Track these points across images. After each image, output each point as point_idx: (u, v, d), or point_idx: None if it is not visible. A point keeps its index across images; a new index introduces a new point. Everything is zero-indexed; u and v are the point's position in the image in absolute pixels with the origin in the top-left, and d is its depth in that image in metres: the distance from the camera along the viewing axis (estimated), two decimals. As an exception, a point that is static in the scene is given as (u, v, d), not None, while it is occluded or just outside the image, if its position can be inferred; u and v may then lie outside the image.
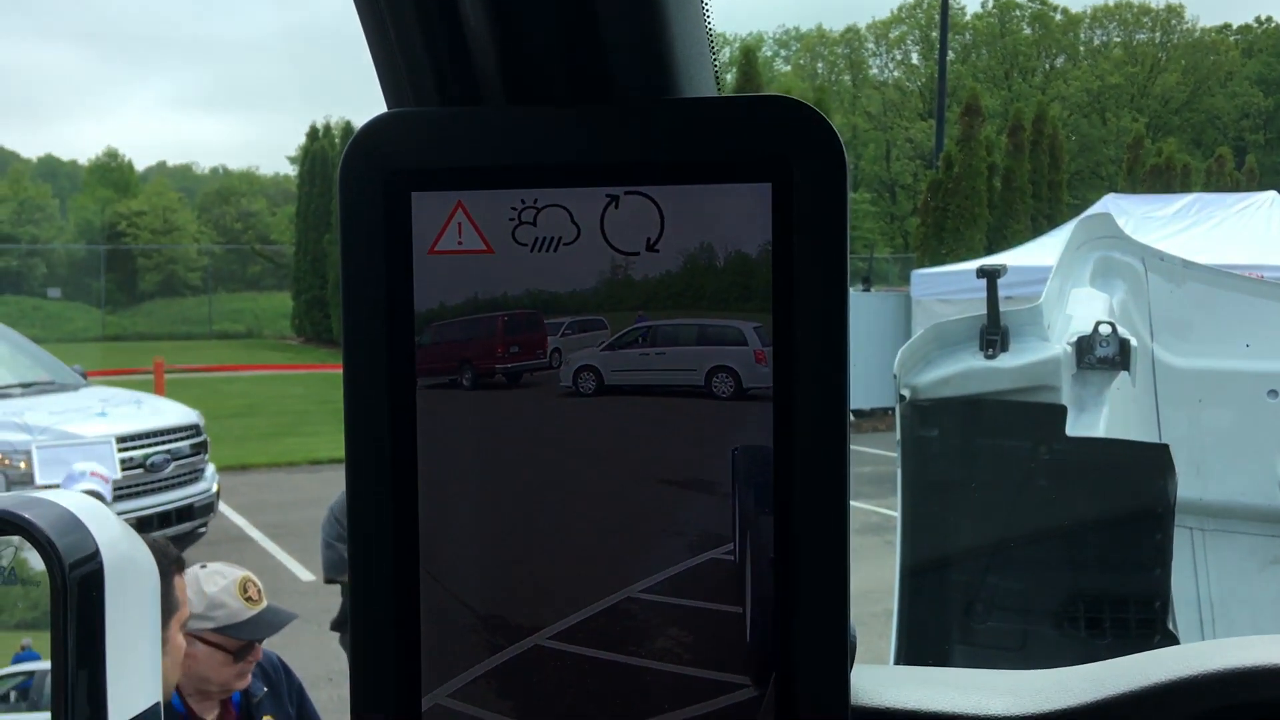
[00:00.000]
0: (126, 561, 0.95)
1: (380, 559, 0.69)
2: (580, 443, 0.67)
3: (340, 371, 0.69)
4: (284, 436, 15.81)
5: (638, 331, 0.58)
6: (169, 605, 2.40)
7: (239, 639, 2.74)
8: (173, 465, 9.12)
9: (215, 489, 9.60)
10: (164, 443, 9.19)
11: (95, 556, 0.88)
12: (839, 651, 0.67)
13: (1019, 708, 0.82)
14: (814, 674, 0.67)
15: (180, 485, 9.21)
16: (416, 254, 0.65)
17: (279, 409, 18.34)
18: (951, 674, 0.89)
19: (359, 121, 0.74)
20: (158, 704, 1.12)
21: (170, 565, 2.44)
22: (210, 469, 9.70)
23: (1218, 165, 26.71)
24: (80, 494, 1.01)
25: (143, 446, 8.85)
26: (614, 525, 0.69)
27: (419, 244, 0.65)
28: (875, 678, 0.86)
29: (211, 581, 2.76)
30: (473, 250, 0.64)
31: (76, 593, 0.87)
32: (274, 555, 10.00)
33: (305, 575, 9.12)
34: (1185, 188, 21.30)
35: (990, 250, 19.20)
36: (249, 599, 2.81)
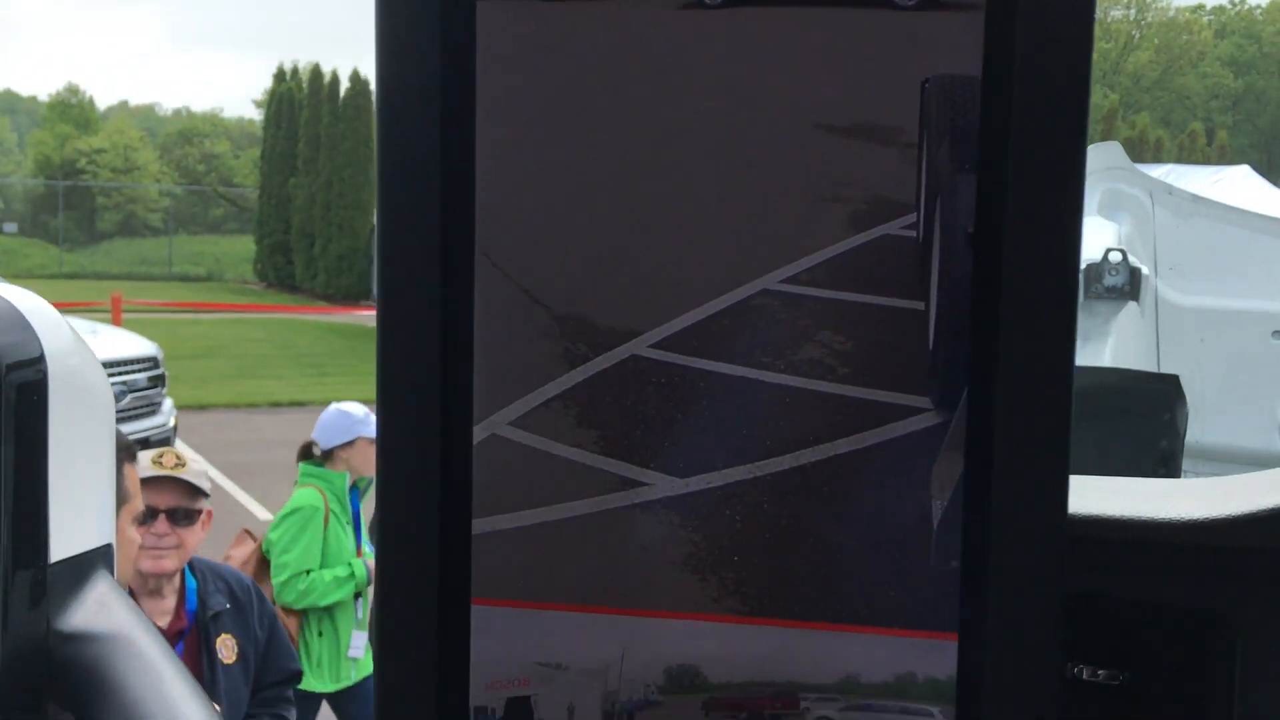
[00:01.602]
0: (77, 377, 0.77)
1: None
2: (701, 72, 0.49)
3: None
4: (244, 379, 15.56)
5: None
6: (119, 495, 2.22)
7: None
8: (129, 397, 8.87)
9: (173, 424, 9.36)
10: (120, 374, 8.93)
11: (39, 363, 0.71)
12: (1062, 362, 0.49)
13: (1210, 510, 0.67)
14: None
15: (136, 418, 8.95)
16: None
17: (239, 351, 18.04)
18: (1131, 483, 0.76)
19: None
20: (109, 546, 0.96)
21: (121, 453, 2.26)
22: (168, 403, 9.46)
23: (1189, 140, 26.88)
24: (32, 294, 0.83)
25: (98, 376, 8.59)
26: (745, 189, 0.50)
27: None
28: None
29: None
30: None
31: (14, 398, 0.69)
32: (232, 494, 9.81)
33: (263, 514, 8.93)
34: (1158, 160, 21.37)
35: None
36: (158, 463, 2.61)
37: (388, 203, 0.52)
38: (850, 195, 0.49)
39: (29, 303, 0.73)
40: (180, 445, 9.81)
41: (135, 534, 2.30)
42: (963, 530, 0.50)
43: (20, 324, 0.70)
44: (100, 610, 1.03)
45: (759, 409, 0.51)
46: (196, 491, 2.74)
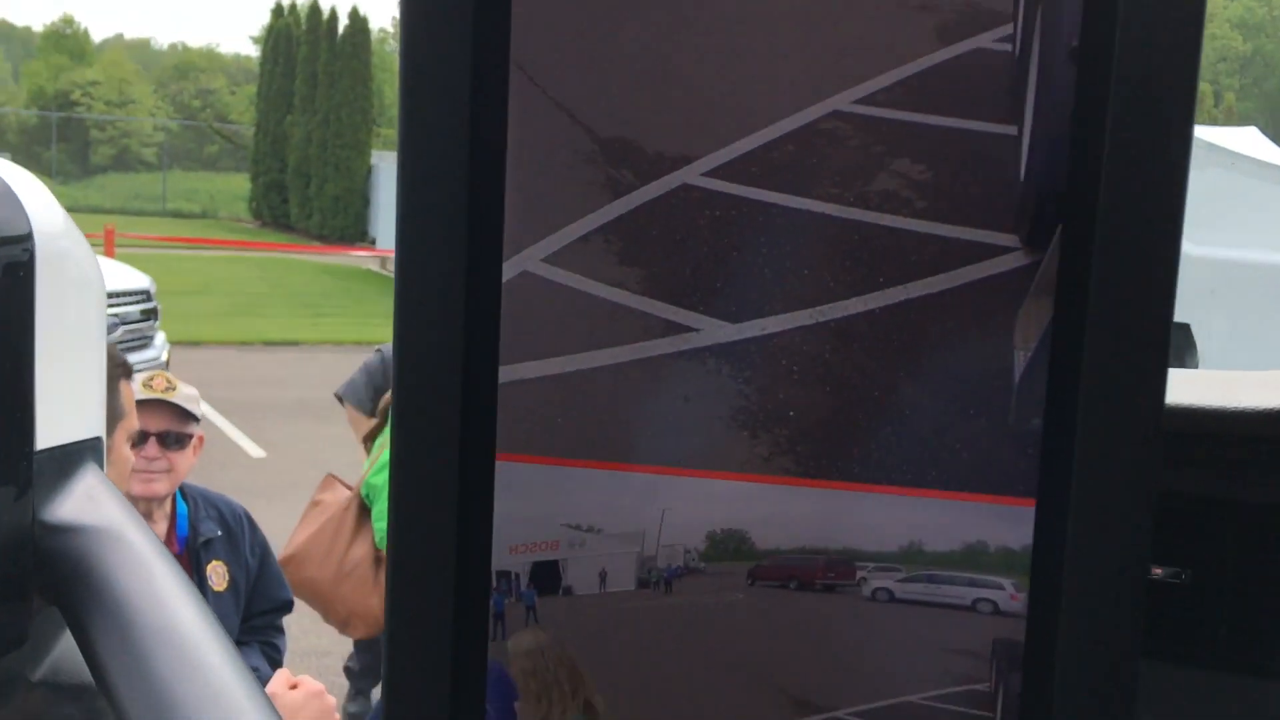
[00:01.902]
0: (67, 259, 0.71)
1: None
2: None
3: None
4: (237, 316, 15.49)
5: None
6: (114, 412, 2.18)
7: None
8: (121, 330, 8.81)
9: (165, 358, 9.31)
10: (112, 307, 8.87)
11: (27, 241, 0.65)
12: (1173, 195, 0.44)
13: None
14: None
15: (128, 351, 8.90)
16: None
17: (233, 289, 17.93)
18: (1193, 373, 0.70)
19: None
20: (100, 440, 0.92)
21: (116, 370, 2.21)
22: (160, 337, 9.40)
23: (1197, 101, 26.63)
24: (23, 171, 0.77)
25: (90, 307, 8.52)
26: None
27: None
28: None
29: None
30: None
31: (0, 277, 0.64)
32: (224, 430, 9.77)
33: (255, 451, 8.91)
34: (1164, 121, 21.11)
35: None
36: (148, 386, 2.56)
37: (413, 9, 0.46)
38: (938, 2, 0.44)
39: (18, 178, 0.68)
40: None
41: (129, 453, 2.26)
42: (1048, 386, 0.45)
43: (7, 199, 0.65)
44: (89, 502, 0.97)
45: (823, 247, 0.46)
46: (187, 416, 2.69)
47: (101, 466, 1.06)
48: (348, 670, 3.87)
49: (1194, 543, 0.64)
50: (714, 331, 0.47)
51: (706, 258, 0.47)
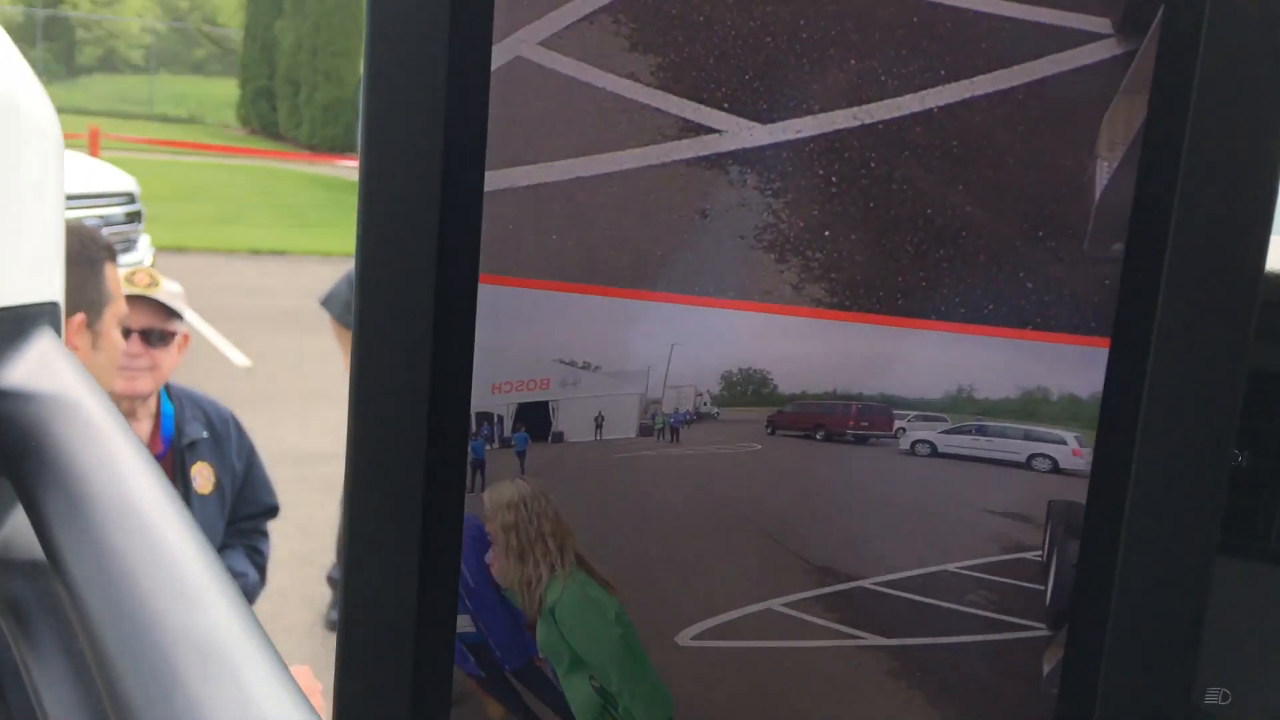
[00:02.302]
0: (20, 108, 0.63)
1: None
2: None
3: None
4: (224, 224, 15.31)
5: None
6: (101, 296, 2.10)
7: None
8: (104, 232, 8.67)
9: (150, 262, 9.19)
10: (95, 207, 8.71)
11: None
12: None
13: None
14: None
15: (112, 254, 8.76)
16: None
17: (220, 196, 17.70)
18: None
19: None
20: (57, 305, 0.86)
21: (101, 253, 2.13)
22: (145, 240, 9.27)
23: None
24: None
25: (72, 209, 8.39)
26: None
27: None
28: None
29: None
30: None
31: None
32: (209, 339, 9.70)
33: (240, 359, 8.84)
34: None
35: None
36: (130, 281, 2.49)
37: None
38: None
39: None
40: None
41: (120, 339, 2.19)
42: (1133, 205, 0.39)
43: None
44: (42, 369, 0.90)
45: (874, 31, 0.39)
46: (171, 313, 2.61)
47: (59, 333, 0.99)
48: (330, 580, 3.85)
49: (1253, 422, 0.57)
50: (740, 134, 0.40)
51: (734, 45, 0.39)
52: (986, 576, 0.41)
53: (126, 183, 9.03)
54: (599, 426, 0.43)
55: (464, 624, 0.45)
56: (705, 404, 0.42)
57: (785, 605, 0.43)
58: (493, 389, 0.43)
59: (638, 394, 0.42)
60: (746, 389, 0.42)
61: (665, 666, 0.44)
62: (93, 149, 13.65)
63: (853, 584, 0.42)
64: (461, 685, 0.45)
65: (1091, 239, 0.39)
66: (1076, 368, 0.40)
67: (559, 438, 0.43)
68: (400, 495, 0.43)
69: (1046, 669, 0.41)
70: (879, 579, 0.42)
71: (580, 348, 0.42)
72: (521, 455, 0.43)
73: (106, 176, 9.02)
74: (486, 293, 0.42)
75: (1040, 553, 0.41)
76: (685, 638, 0.43)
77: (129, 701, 0.85)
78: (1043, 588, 0.41)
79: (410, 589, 0.44)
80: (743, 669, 0.43)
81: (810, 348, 0.41)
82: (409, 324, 0.42)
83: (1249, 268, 0.38)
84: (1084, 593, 0.40)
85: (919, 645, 0.42)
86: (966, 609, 0.41)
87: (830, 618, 0.42)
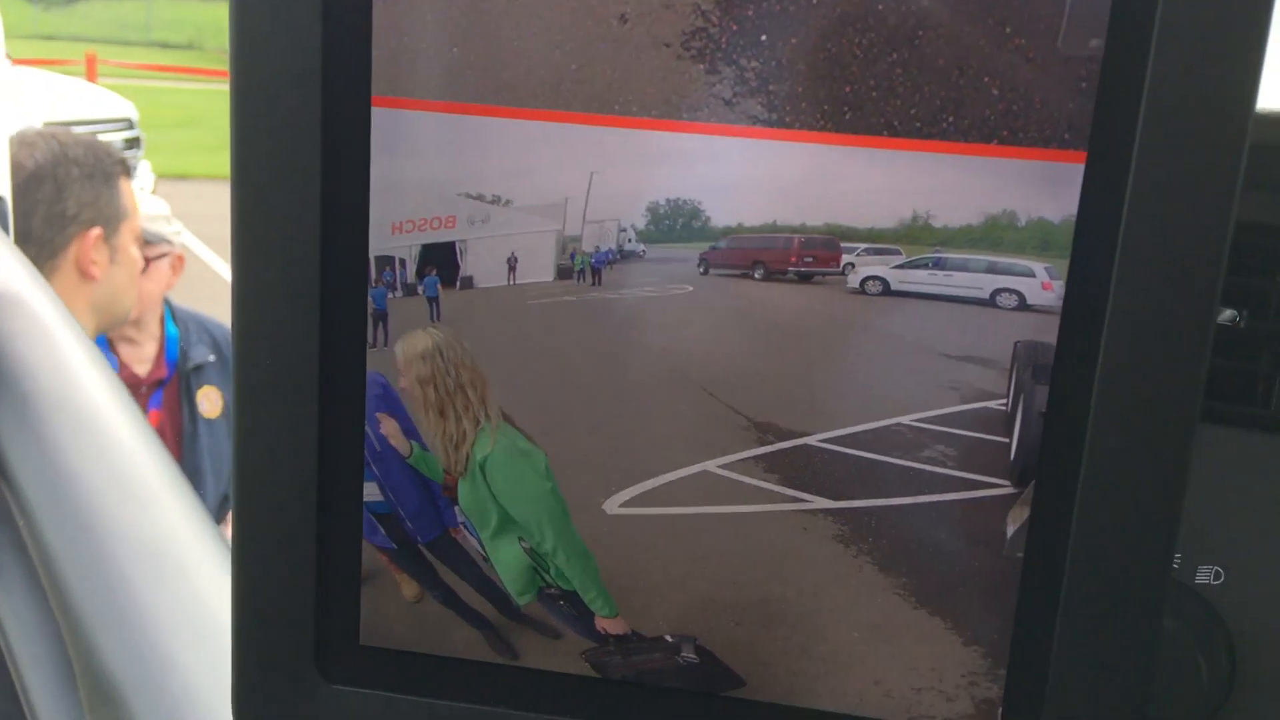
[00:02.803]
0: None
1: None
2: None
3: None
4: (224, 151, 15.13)
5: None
6: (116, 210, 2.06)
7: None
8: (103, 157, 8.59)
9: (152, 189, 9.12)
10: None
11: None
12: None
13: None
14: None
15: (111, 180, 8.69)
16: None
17: (220, 123, 17.50)
18: None
19: None
20: (2, 199, 0.88)
21: (115, 167, 2.08)
22: (145, 166, 9.19)
23: None
24: None
25: (70, 134, 8.31)
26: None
27: None
28: None
29: None
30: None
31: None
32: (210, 264, 9.66)
33: (243, 283, 8.81)
34: None
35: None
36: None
37: None
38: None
39: None
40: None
41: (137, 254, 2.15)
42: None
43: None
44: (-15, 264, 0.86)
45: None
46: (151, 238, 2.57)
47: (7, 231, 0.94)
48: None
49: (1252, 279, 0.53)
50: (661, -78, 0.35)
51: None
52: (945, 429, 0.37)
53: (124, 108, 8.92)
54: (512, 269, 0.38)
55: (371, 493, 0.41)
56: (630, 240, 0.37)
57: (722, 467, 0.38)
58: (393, 229, 0.38)
59: (554, 231, 0.38)
60: (675, 222, 0.37)
61: (593, 538, 0.39)
62: (90, 75, 13.49)
63: (797, 441, 0.38)
64: (372, 563, 0.41)
65: (1066, 34, 0.34)
66: (1047, 187, 0.35)
67: (468, 283, 0.39)
68: (293, 354, 0.39)
69: (1011, 531, 0.37)
70: (826, 435, 0.38)
71: (488, 179, 0.37)
72: (433, 302, 0.39)
73: (104, 102, 8.91)
74: (380, 118, 0.37)
75: (1005, 401, 0.36)
76: (614, 505, 0.39)
77: (75, 601, 0.81)
78: (1007, 440, 0.36)
79: (309, 456, 0.40)
80: (677, 538, 0.39)
81: (746, 172, 0.36)
82: (293, 155, 0.37)
83: (1248, 65, 0.33)
84: (1052, 445, 0.36)
85: (870, 508, 0.38)
86: (922, 466, 0.37)
87: (773, 479, 0.38)
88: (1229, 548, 0.53)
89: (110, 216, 2.03)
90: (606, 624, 0.40)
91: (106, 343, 2.35)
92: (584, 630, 0.40)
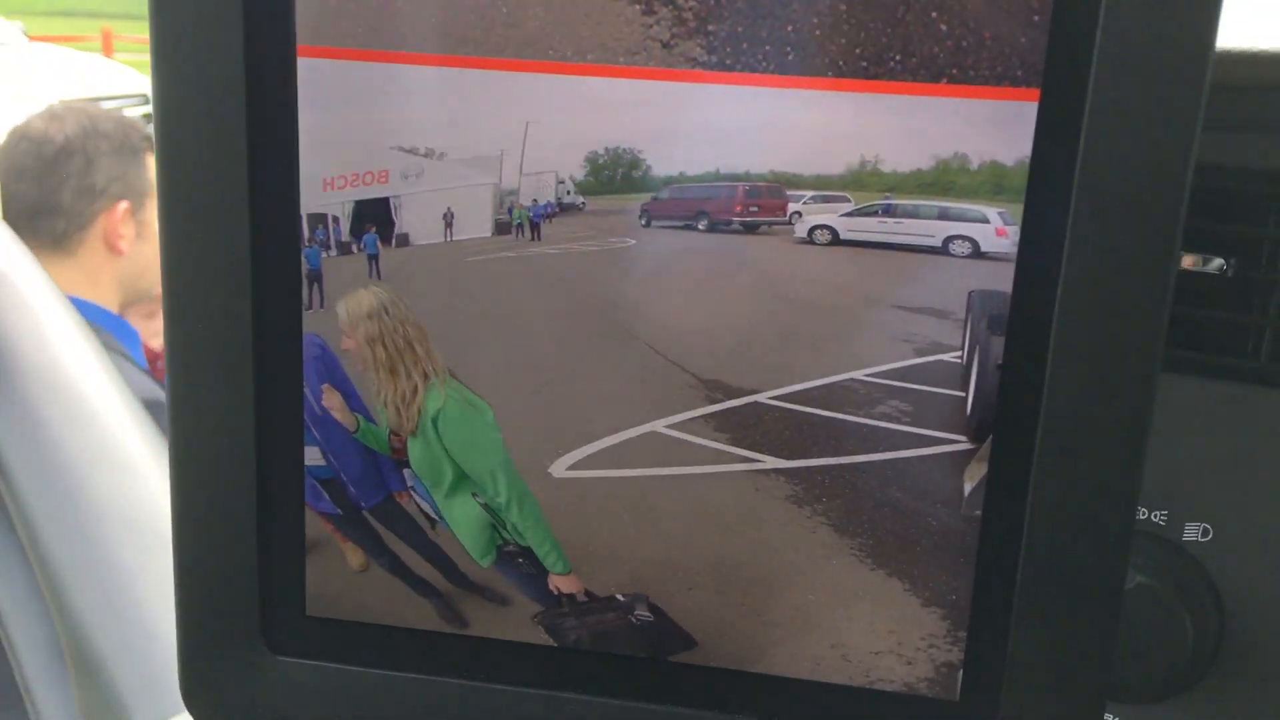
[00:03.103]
0: None
1: None
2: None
3: None
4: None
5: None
6: (144, 184, 2.06)
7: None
8: (121, 133, 8.62)
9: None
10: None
11: None
12: None
13: None
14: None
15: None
16: None
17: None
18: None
19: None
20: None
21: (142, 142, 2.08)
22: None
23: None
24: None
25: (87, 108, 8.32)
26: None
27: None
28: None
29: None
30: None
31: None
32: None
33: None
34: None
35: None
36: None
37: None
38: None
39: None
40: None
41: None
42: None
43: None
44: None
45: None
46: None
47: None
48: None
49: (1239, 226, 0.51)
50: None
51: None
52: (898, 384, 0.35)
53: (141, 84, 8.95)
54: (449, 225, 0.37)
55: (313, 457, 0.39)
56: (568, 193, 0.36)
57: (670, 427, 0.37)
58: (324, 185, 0.37)
59: (490, 184, 0.36)
60: (615, 173, 0.35)
61: (541, 502, 0.38)
62: (106, 50, 13.50)
63: (746, 399, 0.36)
64: (316, 531, 0.40)
65: (1015, -34, 0.32)
66: (1000, 128, 0.33)
67: (404, 241, 0.37)
68: (226, 317, 0.38)
69: (968, 489, 0.35)
70: (775, 392, 0.36)
71: (421, 132, 0.36)
72: (373, 259, 0.37)
73: (121, 77, 8.94)
74: (307, 69, 0.36)
75: (960, 354, 0.35)
76: (560, 468, 0.38)
77: (58, 570, 0.80)
78: (963, 394, 0.35)
79: (246, 421, 0.39)
80: (627, 501, 0.38)
81: (687, 119, 0.34)
82: (217, 110, 0.36)
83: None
84: (1010, 398, 0.34)
85: (824, 467, 0.36)
86: (876, 423, 0.36)
87: (722, 439, 0.37)
88: (1218, 504, 0.52)
89: (138, 191, 2.04)
90: (560, 582, 0.39)
91: (127, 318, 2.36)
92: (540, 592, 0.39)
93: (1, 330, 0.83)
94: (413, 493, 0.40)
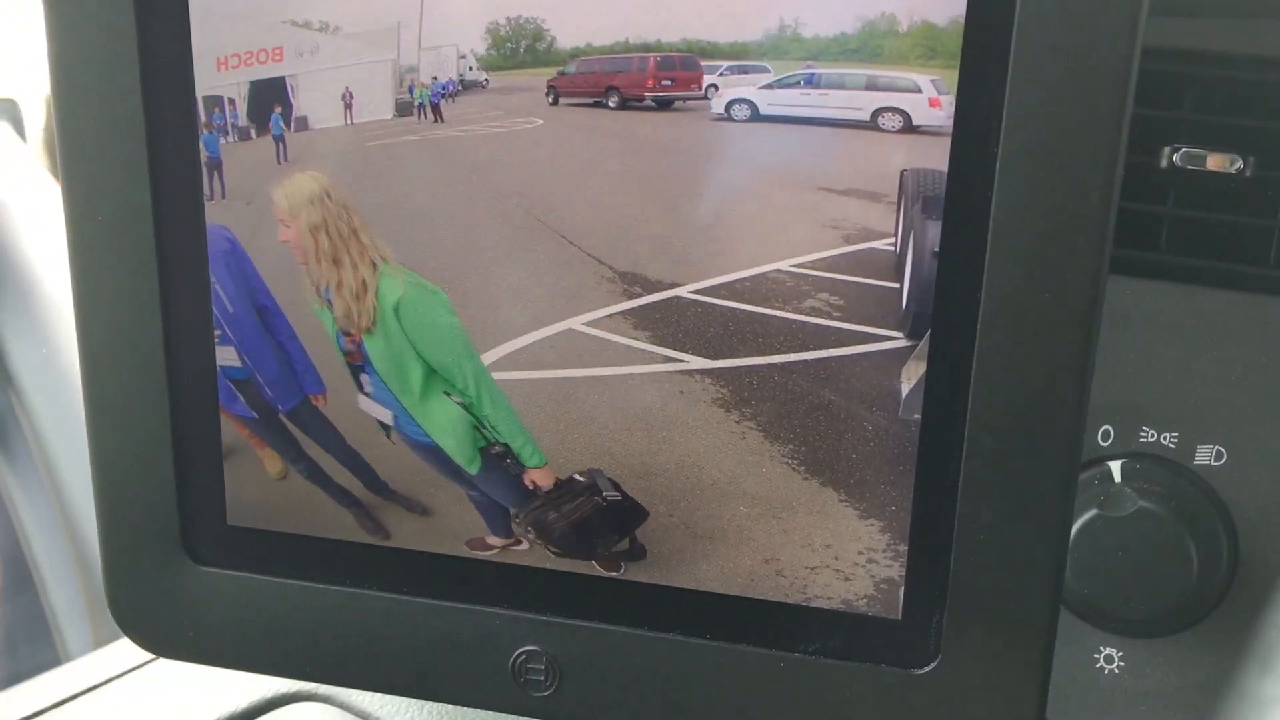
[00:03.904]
0: None
1: None
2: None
3: None
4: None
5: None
6: None
7: None
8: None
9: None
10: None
11: None
12: None
13: None
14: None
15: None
16: None
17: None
18: None
19: None
20: (14, 103, 0.89)
21: None
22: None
23: None
24: None
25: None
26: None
27: None
28: None
29: None
30: None
31: None
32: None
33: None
34: None
35: None
36: None
37: None
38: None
39: None
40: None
41: None
42: None
43: None
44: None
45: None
46: None
47: (21, 134, 0.93)
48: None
49: (1260, 120, 0.46)
50: None
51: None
52: (828, 275, 0.32)
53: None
54: (348, 107, 0.34)
55: (227, 357, 0.38)
56: (471, 68, 0.33)
57: (588, 325, 0.34)
58: (218, 65, 0.35)
59: (389, 60, 0.34)
60: (518, 45, 0.32)
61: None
62: None
63: (666, 294, 0.33)
64: (234, 437, 0.38)
65: None
66: (931, -18, 0.29)
67: (303, 124, 0.35)
68: (125, 209, 0.36)
69: (906, 390, 0.32)
70: (697, 286, 0.33)
71: (313, 4, 0.33)
72: (280, 141, 0.35)
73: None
74: (193, -61, 0.34)
75: (893, 240, 0.31)
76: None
77: (72, 495, 0.80)
78: (897, 286, 0.32)
79: (153, 320, 0.37)
80: (543, 405, 0.35)
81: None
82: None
83: None
84: (948, 289, 0.31)
85: (751, 367, 0.33)
86: (805, 318, 0.32)
87: (643, 338, 0.34)
88: (1232, 425, 0.47)
89: None
90: (536, 475, 0.37)
91: None
92: (519, 493, 0.37)
93: (21, 260, 0.83)
94: (375, 401, 0.37)
